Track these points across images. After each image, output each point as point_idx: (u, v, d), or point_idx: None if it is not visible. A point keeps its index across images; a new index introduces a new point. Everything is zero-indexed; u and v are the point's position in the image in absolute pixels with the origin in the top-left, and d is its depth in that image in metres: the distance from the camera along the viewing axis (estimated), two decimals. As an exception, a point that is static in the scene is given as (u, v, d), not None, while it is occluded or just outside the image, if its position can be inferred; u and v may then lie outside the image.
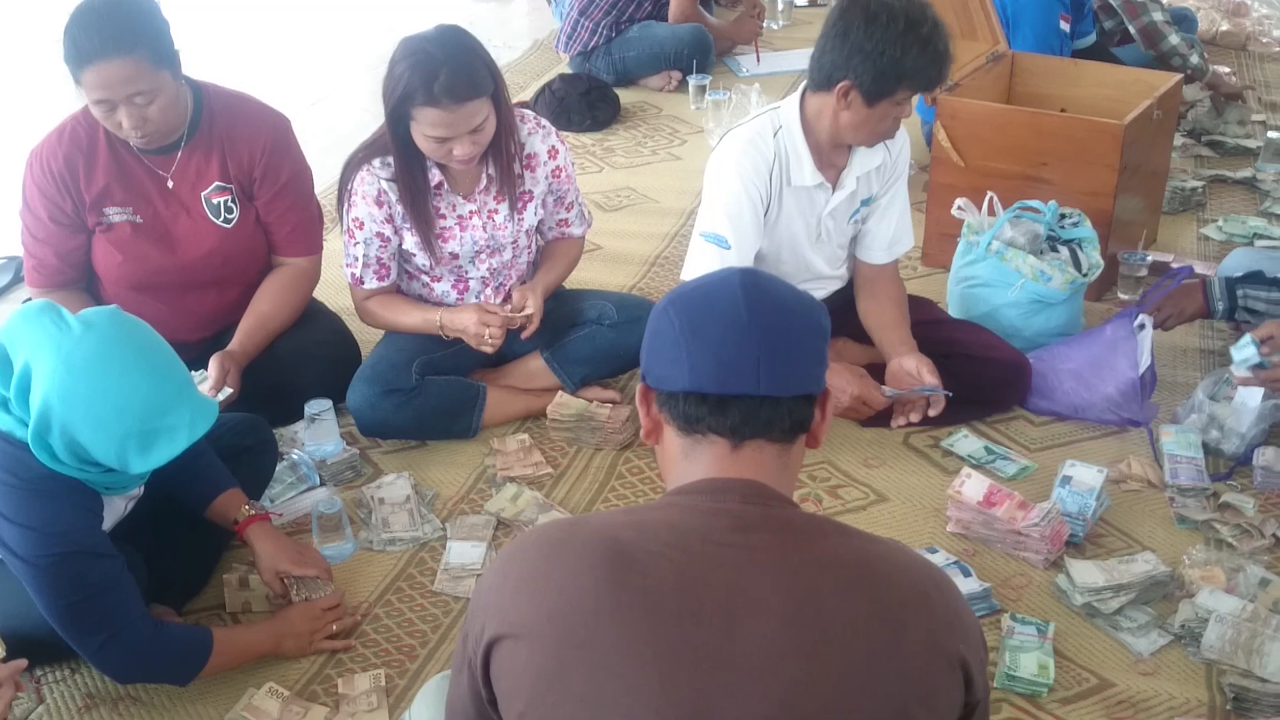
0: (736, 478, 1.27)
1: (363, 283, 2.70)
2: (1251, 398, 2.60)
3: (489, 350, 2.65)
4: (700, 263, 2.61)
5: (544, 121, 2.76)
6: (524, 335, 2.71)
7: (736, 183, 2.59)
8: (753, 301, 1.28)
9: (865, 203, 2.75)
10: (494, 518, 2.47)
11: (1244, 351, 2.52)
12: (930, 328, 2.87)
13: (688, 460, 1.30)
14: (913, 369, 2.69)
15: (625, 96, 4.80)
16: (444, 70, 2.39)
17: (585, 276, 3.30)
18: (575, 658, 1.18)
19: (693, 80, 4.76)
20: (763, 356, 1.25)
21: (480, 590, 1.29)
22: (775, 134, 2.60)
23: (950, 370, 2.74)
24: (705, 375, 1.26)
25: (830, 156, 2.64)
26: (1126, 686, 2.06)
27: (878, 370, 2.81)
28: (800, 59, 5.24)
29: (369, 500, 2.48)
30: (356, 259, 2.68)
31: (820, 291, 2.84)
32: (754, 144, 2.59)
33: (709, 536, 1.22)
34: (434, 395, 2.68)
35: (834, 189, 2.68)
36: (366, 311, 2.77)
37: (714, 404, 1.26)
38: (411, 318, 2.72)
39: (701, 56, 4.89)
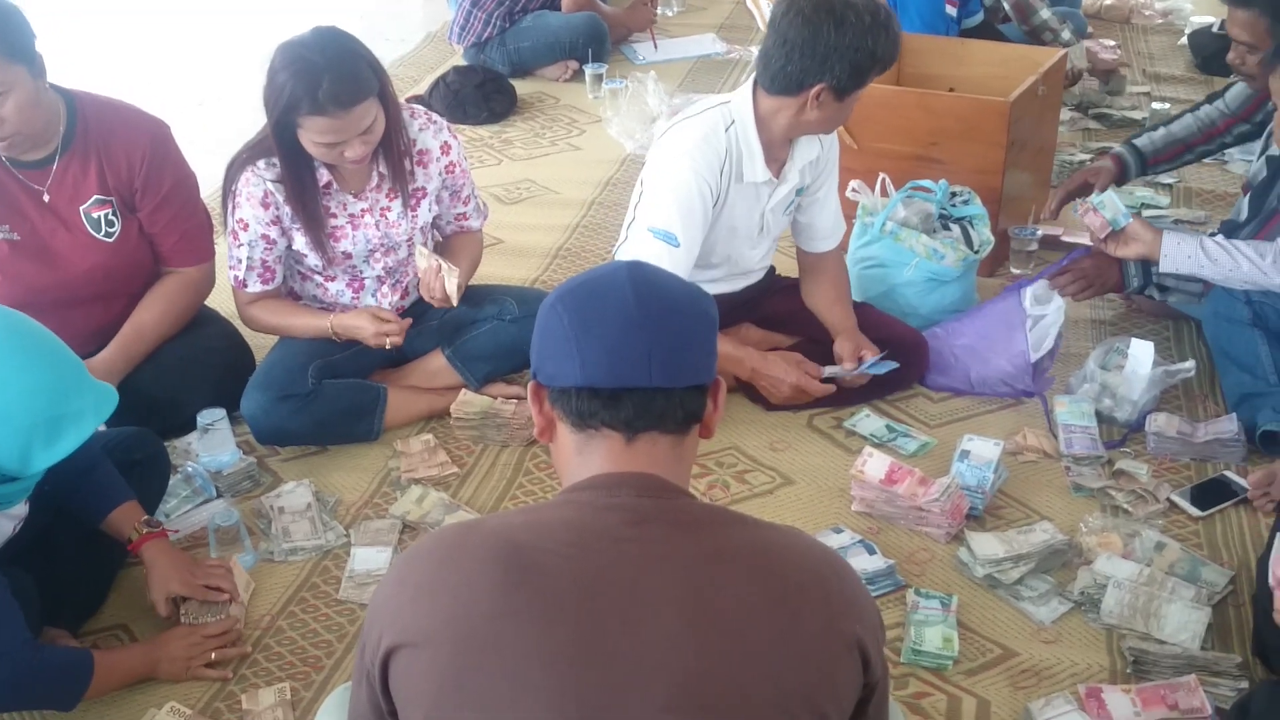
0: (631, 471, 1.27)
1: (246, 285, 2.65)
2: (1142, 366, 2.67)
3: (390, 348, 2.61)
4: (647, 258, 2.55)
5: (435, 116, 2.73)
6: (442, 302, 2.65)
7: (691, 177, 2.55)
8: (641, 295, 1.27)
9: (799, 193, 2.77)
10: (399, 521, 2.44)
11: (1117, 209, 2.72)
12: (830, 309, 2.91)
13: (582, 456, 1.29)
14: (847, 352, 2.73)
15: (521, 87, 4.77)
16: (326, 76, 2.34)
17: (486, 271, 3.26)
18: (474, 662, 1.16)
19: (589, 69, 4.75)
20: (654, 349, 1.25)
21: (376, 600, 1.27)
22: (727, 129, 2.59)
23: (849, 351, 2.78)
24: (597, 370, 1.25)
25: (776, 152, 2.65)
26: (1029, 655, 2.11)
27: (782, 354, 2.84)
28: (696, 45, 5.28)
29: (268, 510, 2.43)
30: (240, 261, 2.62)
31: (741, 283, 2.85)
32: (708, 140, 2.57)
33: (605, 532, 1.22)
34: (332, 399, 2.64)
35: (778, 183, 2.69)
36: (250, 317, 2.71)
37: (607, 398, 1.26)
38: (300, 321, 2.67)
39: (597, 45, 4.88)
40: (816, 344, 2.82)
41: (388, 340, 2.59)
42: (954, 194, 3.05)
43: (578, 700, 1.14)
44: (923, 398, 2.84)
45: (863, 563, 2.26)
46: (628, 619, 1.17)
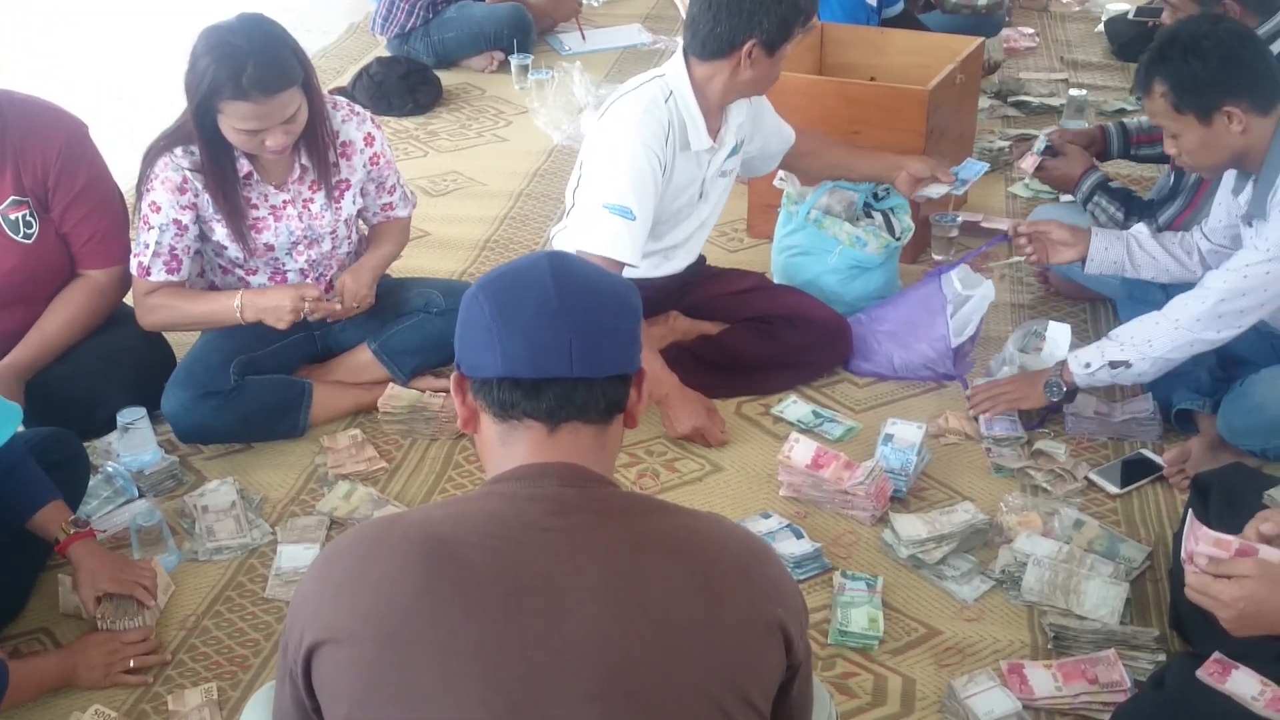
0: (554, 461, 1.27)
1: (149, 273, 2.55)
2: (1060, 348, 2.72)
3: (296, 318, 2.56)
4: (605, 235, 2.57)
5: (357, 108, 2.71)
6: (356, 309, 2.64)
7: (640, 150, 2.57)
8: (562, 284, 1.27)
9: (733, 151, 2.81)
10: (326, 518, 2.42)
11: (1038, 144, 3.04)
12: (754, 294, 2.95)
13: (505, 447, 1.29)
14: (924, 170, 2.89)
15: (447, 78, 4.74)
16: (251, 62, 2.31)
17: (413, 264, 3.25)
18: (397, 657, 1.16)
19: (515, 60, 4.73)
20: (574, 339, 1.25)
21: (297, 597, 1.26)
22: (666, 101, 2.61)
23: (773, 334, 2.82)
24: (518, 360, 1.25)
25: (712, 119, 2.68)
26: (953, 633, 2.15)
27: (709, 343, 2.86)
28: (622, 35, 5.28)
29: (192, 509, 2.40)
30: (147, 246, 2.54)
31: (680, 262, 2.87)
32: (650, 112, 2.59)
33: (529, 523, 1.22)
34: (255, 396, 2.61)
35: (717, 149, 2.73)
36: (148, 308, 2.59)
37: (528, 388, 1.26)
38: (202, 307, 2.60)
39: (522, 36, 4.85)
40: (751, 325, 2.84)
41: (306, 305, 2.53)
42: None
43: (503, 692, 1.14)
44: (848, 383, 2.87)
45: (790, 547, 2.28)
46: (552, 609, 1.17)
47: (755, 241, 3.50)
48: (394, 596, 1.17)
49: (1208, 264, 2.65)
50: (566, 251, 1.38)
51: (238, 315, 2.56)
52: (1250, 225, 2.45)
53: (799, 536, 2.32)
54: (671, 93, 2.62)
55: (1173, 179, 2.92)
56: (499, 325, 1.25)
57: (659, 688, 1.17)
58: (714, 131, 2.70)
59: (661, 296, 2.73)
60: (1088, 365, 2.50)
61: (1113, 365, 2.47)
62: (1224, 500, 2.08)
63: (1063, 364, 2.55)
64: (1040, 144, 3.05)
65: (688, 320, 2.94)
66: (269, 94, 2.34)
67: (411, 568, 1.18)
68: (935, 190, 2.97)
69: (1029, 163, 3.04)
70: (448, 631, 1.16)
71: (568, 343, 1.25)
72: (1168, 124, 2.38)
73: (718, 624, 1.20)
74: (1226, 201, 2.56)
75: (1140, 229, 2.74)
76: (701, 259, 3.01)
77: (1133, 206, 2.96)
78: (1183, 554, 1.80)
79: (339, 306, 2.62)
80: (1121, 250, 2.69)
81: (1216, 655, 1.75)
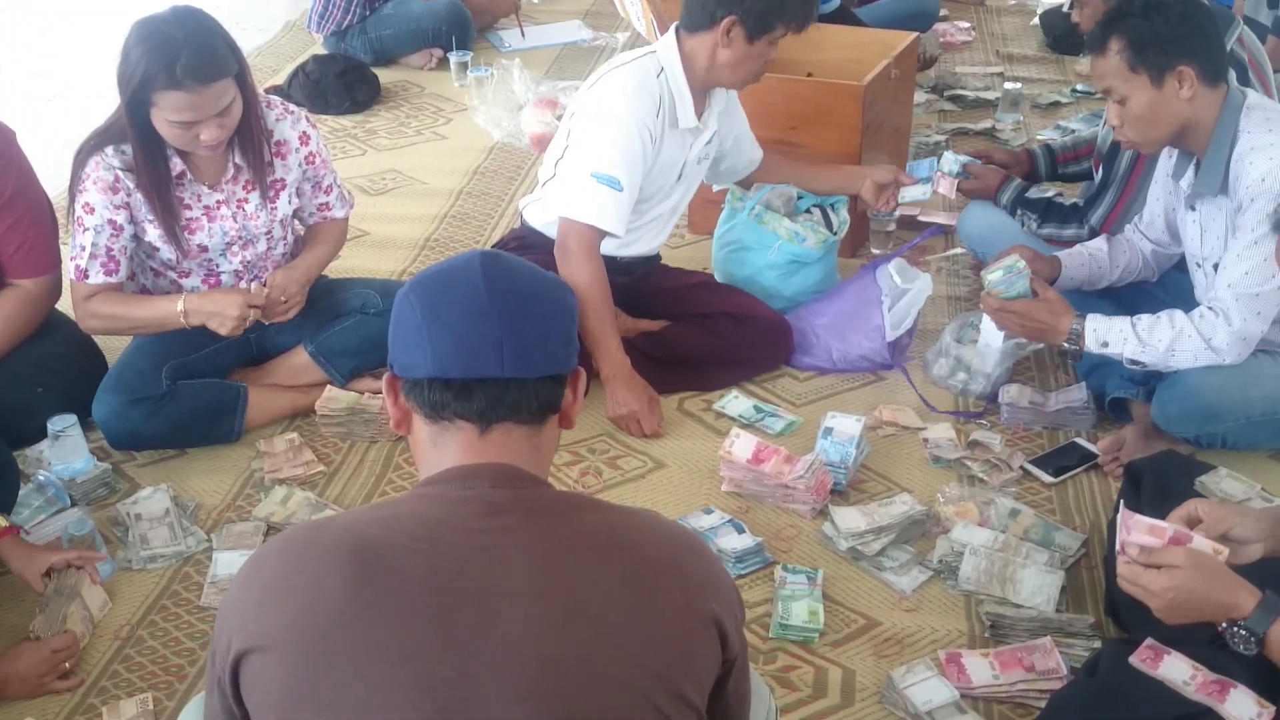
0: (486, 462, 1.26)
1: (87, 276, 2.51)
2: (995, 339, 2.75)
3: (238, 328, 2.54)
4: (591, 204, 2.61)
5: (292, 106, 2.68)
6: (285, 317, 2.62)
7: (632, 123, 2.60)
8: (493, 283, 1.26)
9: (711, 139, 2.85)
10: (263, 523, 2.39)
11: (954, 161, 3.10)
12: (698, 291, 2.96)
13: (436, 448, 1.28)
14: (888, 176, 2.97)
15: (385, 76, 4.70)
16: (185, 51, 2.29)
17: (352, 264, 3.22)
18: (324, 664, 1.15)
19: (454, 57, 4.70)
20: (505, 338, 1.24)
21: (224, 603, 1.24)
22: (658, 76, 2.65)
23: (717, 331, 2.83)
24: (448, 360, 1.24)
25: (698, 100, 2.72)
26: (892, 624, 2.16)
27: (652, 339, 2.86)
28: (562, 32, 5.26)
29: (125, 517, 2.36)
30: (84, 249, 2.49)
31: (651, 242, 2.90)
32: (643, 84, 2.63)
33: (459, 524, 1.21)
34: (188, 400, 2.57)
35: (701, 130, 2.77)
36: (89, 312, 2.55)
37: (458, 389, 1.25)
38: (145, 311, 2.56)
39: (460, 33, 4.83)
40: (695, 321, 2.85)
41: (251, 312, 2.52)
42: (814, 177, 3.11)
43: (432, 696, 1.13)
44: (789, 378, 2.89)
45: (732, 541, 2.29)
46: (482, 611, 1.16)
47: (696, 237, 3.51)
48: (321, 602, 1.16)
49: (1150, 265, 2.68)
50: (499, 252, 1.37)
51: (181, 319, 2.53)
52: (1193, 209, 2.46)
53: (740, 531, 2.33)
54: (663, 69, 2.66)
55: (1100, 174, 2.95)
56: (429, 325, 1.24)
57: (590, 686, 1.16)
58: (699, 112, 2.73)
59: (618, 289, 2.74)
60: (1105, 345, 2.45)
61: (1131, 362, 2.45)
62: (1156, 487, 2.11)
63: (1080, 330, 2.47)
64: (955, 167, 3.10)
65: (630, 319, 2.94)
66: (203, 83, 2.31)
67: (339, 572, 1.17)
68: (916, 192, 3.01)
69: (945, 186, 3.08)
70: (376, 637, 1.14)
71: (498, 342, 1.24)
72: (1118, 85, 2.35)
73: (651, 621, 1.20)
74: (1164, 189, 2.58)
75: (1098, 247, 2.73)
76: (657, 256, 3.01)
77: (1050, 214, 3.00)
78: (1116, 544, 1.82)
79: (277, 304, 2.60)
80: (1085, 275, 2.73)
81: (1149, 641, 1.77)
